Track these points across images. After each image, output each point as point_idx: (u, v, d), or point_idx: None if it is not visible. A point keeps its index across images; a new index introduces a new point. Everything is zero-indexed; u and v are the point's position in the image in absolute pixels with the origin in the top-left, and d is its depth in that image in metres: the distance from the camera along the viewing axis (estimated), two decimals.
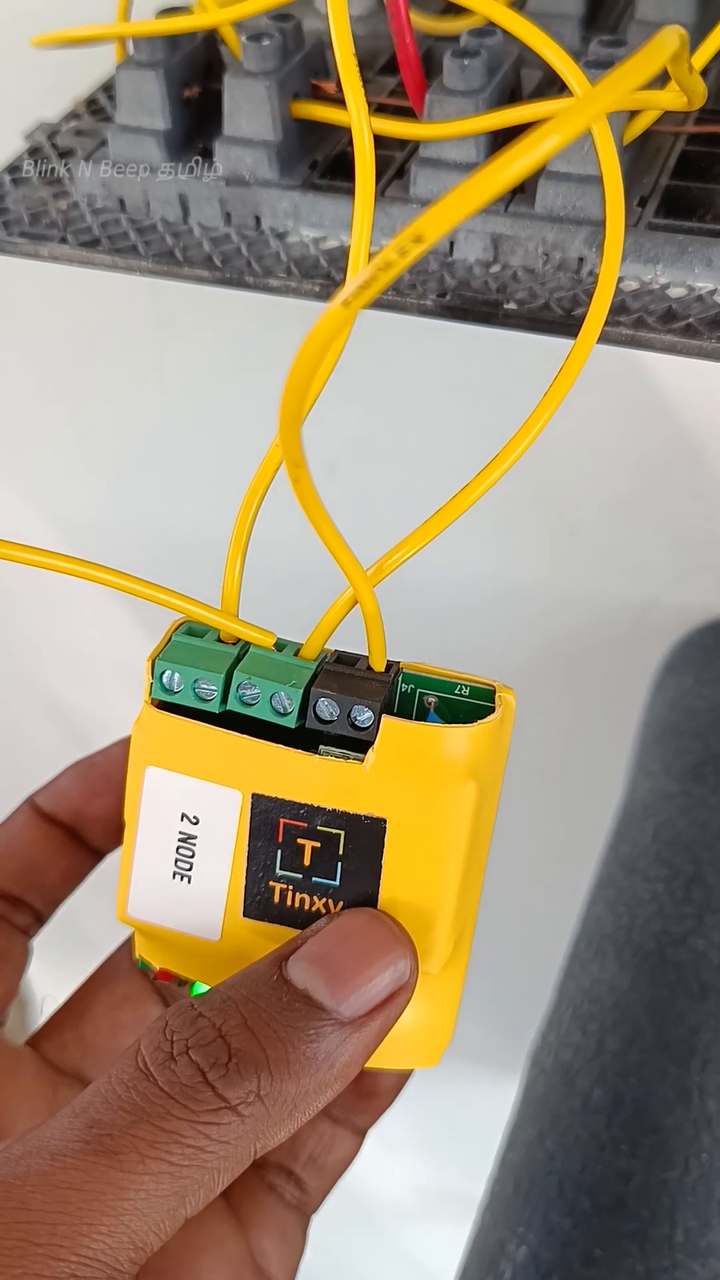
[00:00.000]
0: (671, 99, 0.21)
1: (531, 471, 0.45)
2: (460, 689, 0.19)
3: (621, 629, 0.49)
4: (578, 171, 0.24)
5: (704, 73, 0.28)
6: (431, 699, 0.19)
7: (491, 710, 0.19)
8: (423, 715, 0.19)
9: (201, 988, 0.20)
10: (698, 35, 0.28)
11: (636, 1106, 0.32)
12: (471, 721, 0.18)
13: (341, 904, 0.19)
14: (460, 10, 0.31)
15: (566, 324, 0.23)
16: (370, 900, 0.19)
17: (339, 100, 0.26)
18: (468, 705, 0.19)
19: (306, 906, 0.19)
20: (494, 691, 0.19)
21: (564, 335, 0.23)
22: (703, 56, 0.24)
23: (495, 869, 0.66)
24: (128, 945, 0.24)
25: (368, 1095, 0.23)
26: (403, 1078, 0.24)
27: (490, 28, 0.25)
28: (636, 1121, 0.32)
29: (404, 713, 0.19)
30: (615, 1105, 0.33)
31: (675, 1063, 0.33)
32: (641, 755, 0.44)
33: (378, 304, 0.24)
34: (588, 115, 0.13)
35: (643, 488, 0.44)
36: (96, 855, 0.24)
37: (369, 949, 0.18)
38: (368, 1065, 0.19)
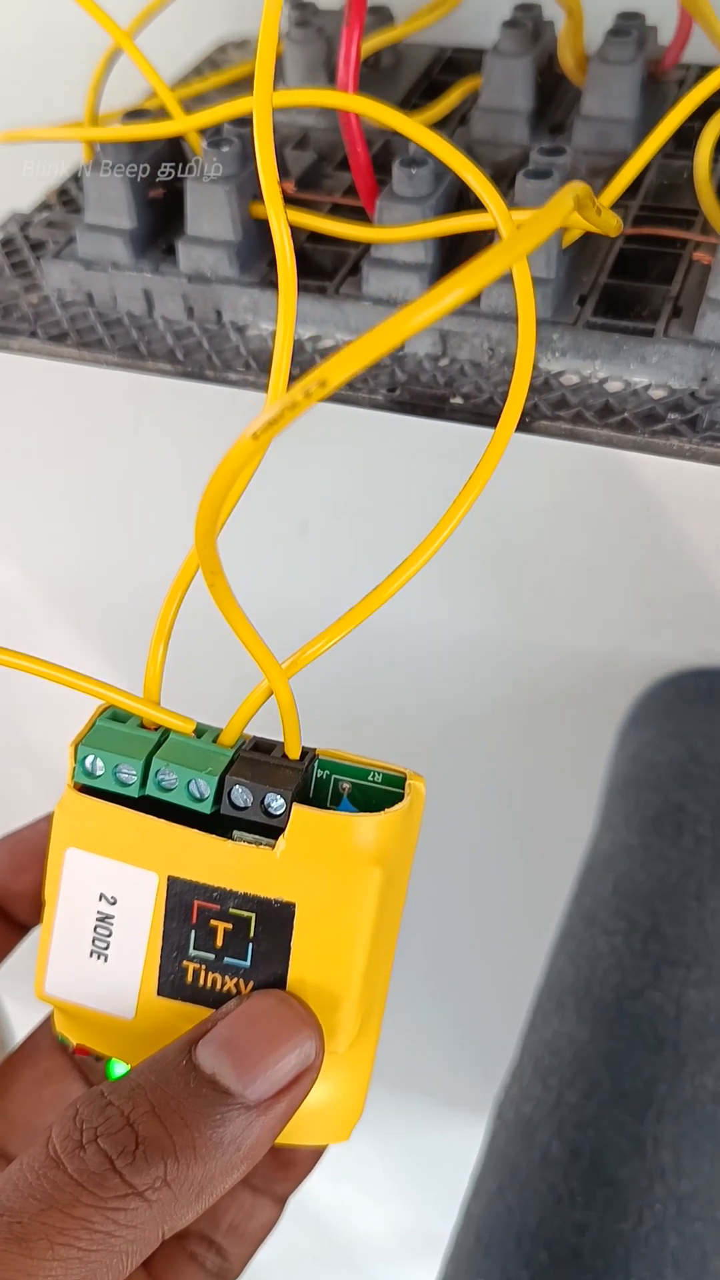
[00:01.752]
0: (598, 225, 0.23)
1: (497, 529, 0.46)
2: (373, 776, 0.20)
3: (587, 681, 0.50)
4: None
5: (646, 170, 0.29)
6: (345, 785, 0.20)
7: (401, 798, 0.20)
8: (337, 800, 0.20)
9: (118, 1065, 0.21)
10: (640, 130, 0.30)
11: (593, 1159, 0.33)
12: (383, 807, 0.19)
13: (252, 984, 0.20)
14: (416, 105, 0.32)
15: None
16: (280, 981, 0.19)
17: (297, 201, 0.28)
18: (380, 791, 0.20)
19: (218, 986, 0.20)
20: (404, 779, 0.20)
21: None
22: (642, 157, 0.26)
23: (469, 914, 0.67)
24: (48, 1022, 0.24)
25: (286, 1165, 0.24)
26: (321, 1146, 0.25)
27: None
28: (593, 1174, 0.33)
29: (319, 798, 0.20)
30: (573, 1158, 0.33)
31: (631, 1115, 0.34)
32: (605, 808, 0.45)
33: (332, 398, 0.26)
34: (485, 276, 0.14)
35: (604, 544, 0.45)
36: (22, 930, 0.24)
37: (275, 1032, 0.18)
38: (278, 1142, 0.20)
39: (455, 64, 0.34)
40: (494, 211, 0.23)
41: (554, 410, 0.25)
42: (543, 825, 0.55)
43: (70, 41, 0.34)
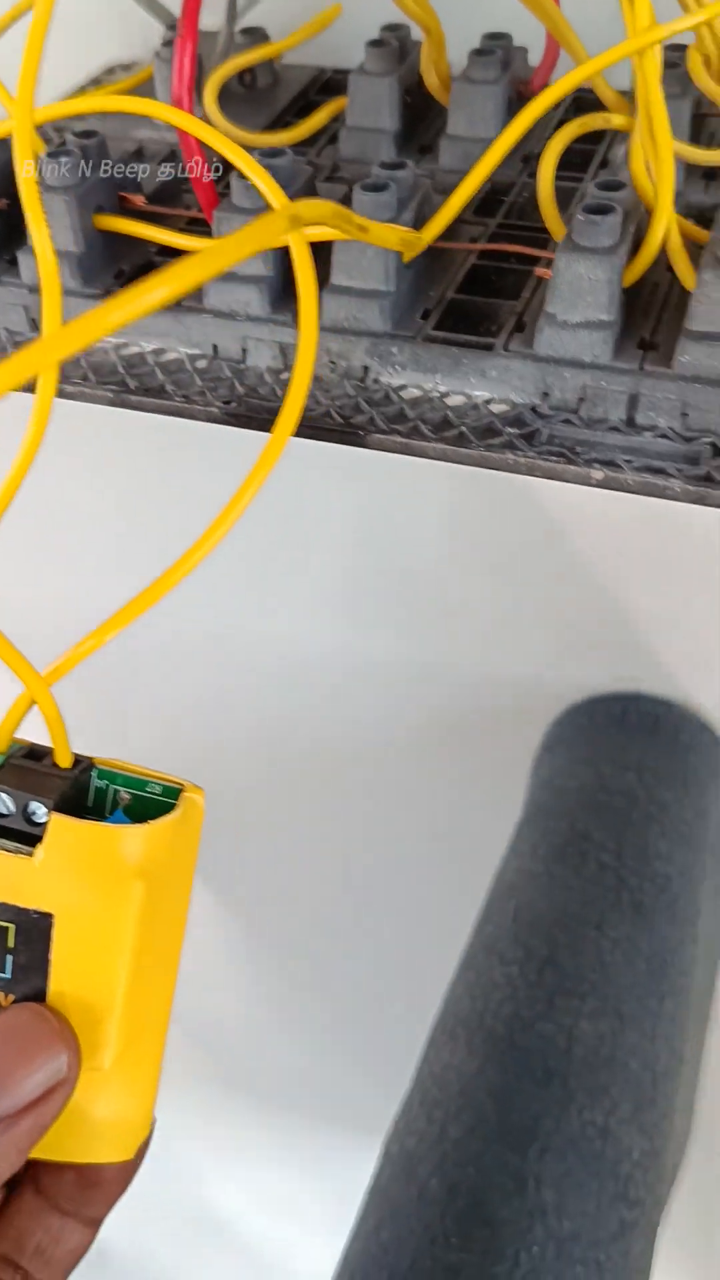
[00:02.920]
0: (373, 239, 0.22)
1: (404, 555, 0.46)
2: (151, 787, 0.20)
3: (505, 707, 0.49)
4: (358, 285, 0.24)
5: (510, 189, 0.29)
6: (125, 796, 0.20)
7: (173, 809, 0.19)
8: (115, 810, 0.20)
9: None
10: (509, 150, 0.30)
11: (471, 1197, 0.32)
12: (157, 817, 0.19)
13: (12, 996, 0.19)
14: (288, 124, 0.32)
15: (344, 432, 0.24)
16: (40, 994, 0.19)
17: (148, 214, 0.27)
18: (158, 803, 0.20)
19: None
20: (181, 790, 0.19)
21: (341, 442, 0.24)
22: (476, 177, 0.25)
23: (398, 944, 0.66)
24: None
25: (91, 1185, 0.23)
26: (129, 1166, 0.24)
27: (281, 149, 0.26)
28: (470, 1213, 0.32)
29: (98, 808, 0.20)
30: (450, 1196, 0.32)
31: (514, 1151, 0.33)
32: (515, 835, 0.44)
33: (167, 410, 0.25)
34: (187, 281, 0.14)
35: (513, 570, 0.45)
36: None
37: (25, 1046, 0.18)
38: (54, 1157, 0.20)
39: (333, 85, 0.34)
40: (268, 197, 0.23)
41: (390, 424, 0.24)
42: (463, 850, 0.54)
43: None
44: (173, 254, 0.27)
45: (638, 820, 0.42)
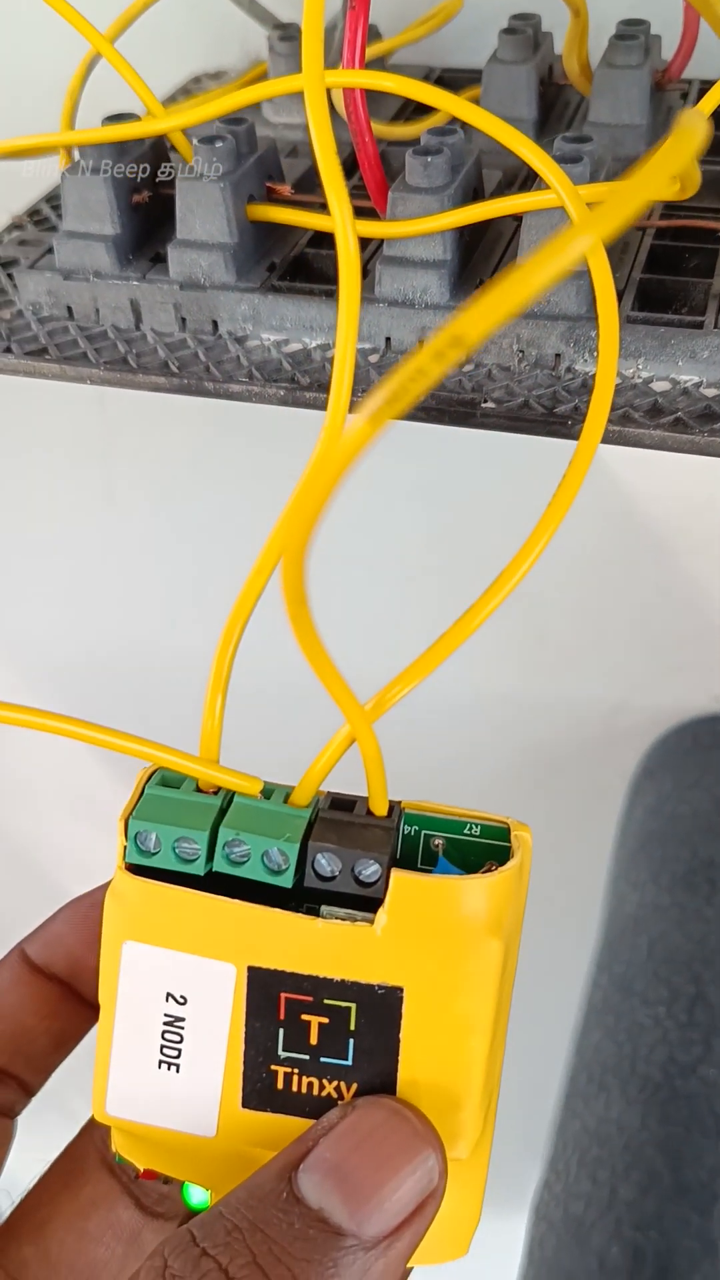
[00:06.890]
0: (668, 190, 0.20)
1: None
2: (470, 828, 0.17)
3: (594, 734, 0.47)
4: None
5: None
6: (439, 841, 0.17)
7: (507, 852, 0.17)
8: (430, 860, 0.17)
9: (196, 1192, 0.18)
10: (651, 137, 0.28)
11: (659, 1263, 0.29)
12: (483, 863, 0.16)
13: (355, 1086, 0.17)
14: (413, 115, 0.31)
15: (548, 422, 0.22)
16: (388, 1081, 0.16)
17: (295, 202, 0.26)
18: (480, 846, 0.17)
19: (315, 1091, 0.17)
20: (508, 830, 0.17)
21: (546, 434, 0.22)
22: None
23: None
24: (90, 1134, 0.20)
25: None
26: None
27: (450, 126, 0.24)
28: None
29: (409, 859, 0.17)
30: (636, 1263, 0.30)
31: (697, 1211, 0.30)
32: (626, 865, 0.42)
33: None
34: (631, 206, 0.11)
35: (608, 589, 0.43)
36: (96, 1012, 0.21)
37: (390, 1152, 0.15)
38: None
39: (446, 83, 0.33)
40: (558, 187, 0.20)
41: None
42: (548, 885, 0.51)
43: (34, 71, 0.32)
44: (321, 245, 0.25)
45: None
